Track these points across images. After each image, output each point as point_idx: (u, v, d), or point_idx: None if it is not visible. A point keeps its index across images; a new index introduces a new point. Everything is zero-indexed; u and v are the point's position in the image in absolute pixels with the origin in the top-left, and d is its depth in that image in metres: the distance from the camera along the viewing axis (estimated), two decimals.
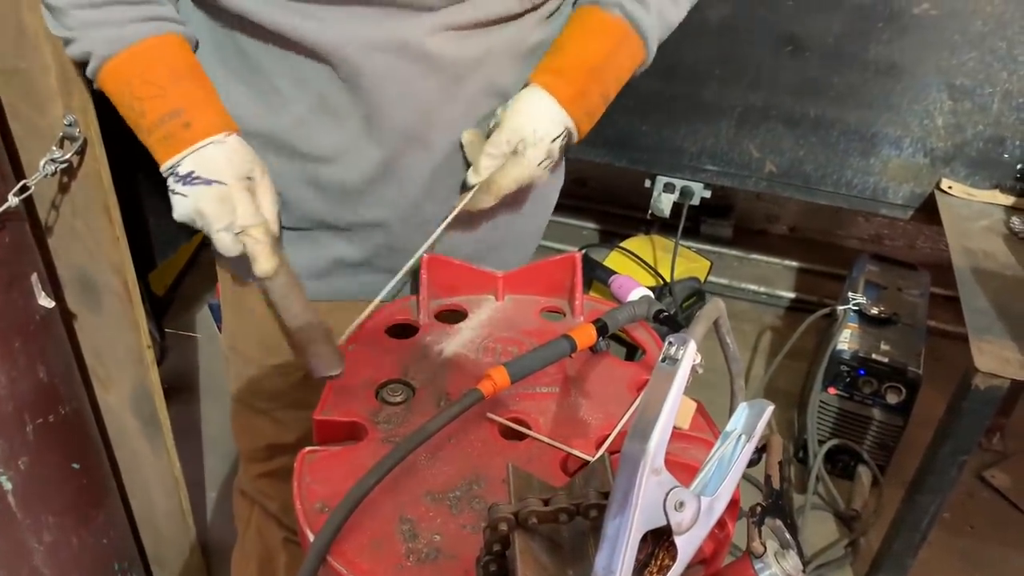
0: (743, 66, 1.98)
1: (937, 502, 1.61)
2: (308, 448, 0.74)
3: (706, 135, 2.08)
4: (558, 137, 0.93)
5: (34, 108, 1.06)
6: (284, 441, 1.16)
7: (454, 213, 0.96)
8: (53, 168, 1.04)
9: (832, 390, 2.02)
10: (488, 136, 0.94)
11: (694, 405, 0.76)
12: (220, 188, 0.86)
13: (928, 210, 1.98)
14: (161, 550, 1.67)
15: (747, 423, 0.57)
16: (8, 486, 1.18)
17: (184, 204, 0.87)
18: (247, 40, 0.90)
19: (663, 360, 0.54)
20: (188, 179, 0.86)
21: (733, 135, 2.06)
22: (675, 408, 0.51)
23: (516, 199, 1.04)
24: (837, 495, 2.03)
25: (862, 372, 1.95)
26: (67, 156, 1.06)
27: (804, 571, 0.60)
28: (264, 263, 0.87)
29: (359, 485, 0.65)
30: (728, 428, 0.58)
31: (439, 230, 0.97)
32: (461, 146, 0.97)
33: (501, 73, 0.95)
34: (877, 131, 1.95)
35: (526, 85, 0.94)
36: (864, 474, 2.04)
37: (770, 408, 0.57)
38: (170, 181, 0.87)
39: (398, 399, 0.81)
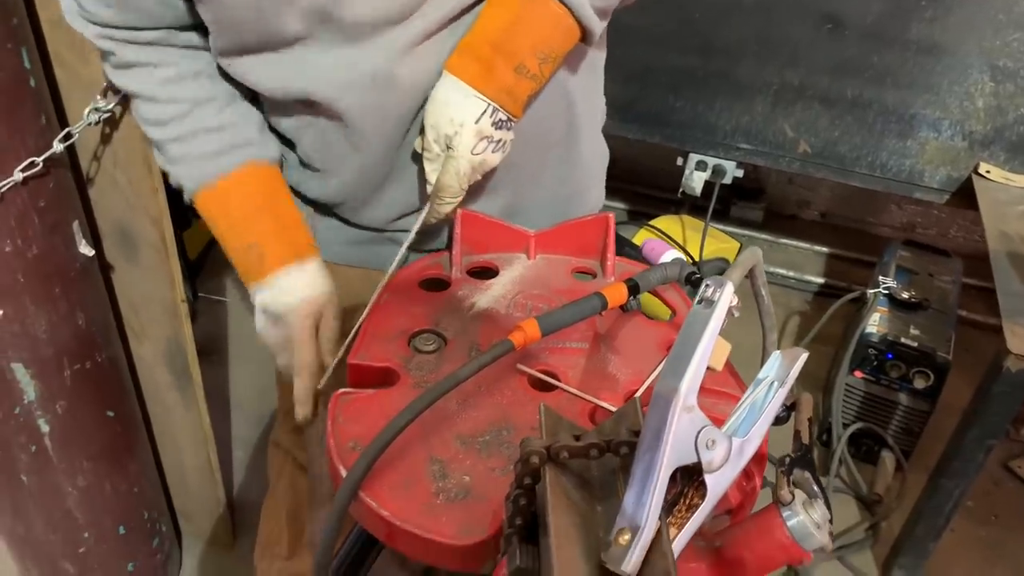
0: (780, 44, 1.96)
1: (961, 487, 1.60)
2: (342, 390, 0.75)
3: (740, 113, 2.07)
4: (481, 116, 0.86)
5: (79, 57, 1.08)
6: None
7: (416, 226, 0.95)
8: (96, 117, 1.06)
9: (859, 373, 2.00)
10: None
11: (728, 347, 0.76)
12: (282, 331, 0.95)
13: (964, 195, 1.95)
14: (188, 504, 1.70)
15: (780, 370, 0.58)
16: (46, 429, 1.22)
17: (259, 327, 0.97)
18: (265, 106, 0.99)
19: (699, 302, 0.54)
20: (263, 311, 0.95)
21: (768, 114, 2.05)
22: (709, 348, 0.52)
23: (527, 171, 1.03)
24: (860, 479, 2.02)
25: (890, 356, 1.93)
26: (110, 106, 1.08)
27: (830, 522, 0.61)
28: (301, 410, 0.94)
29: (391, 425, 0.66)
30: (761, 375, 0.58)
31: (411, 235, 0.95)
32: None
33: None
34: (915, 112, 1.92)
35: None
36: (888, 459, 2.03)
37: (803, 355, 0.57)
38: (252, 298, 0.97)
39: (430, 348, 0.82)
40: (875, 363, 1.97)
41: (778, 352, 0.58)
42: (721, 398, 0.77)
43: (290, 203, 0.99)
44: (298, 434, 1.26)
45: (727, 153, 2.13)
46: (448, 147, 0.88)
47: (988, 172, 1.89)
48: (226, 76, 0.94)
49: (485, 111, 0.87)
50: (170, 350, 1.41)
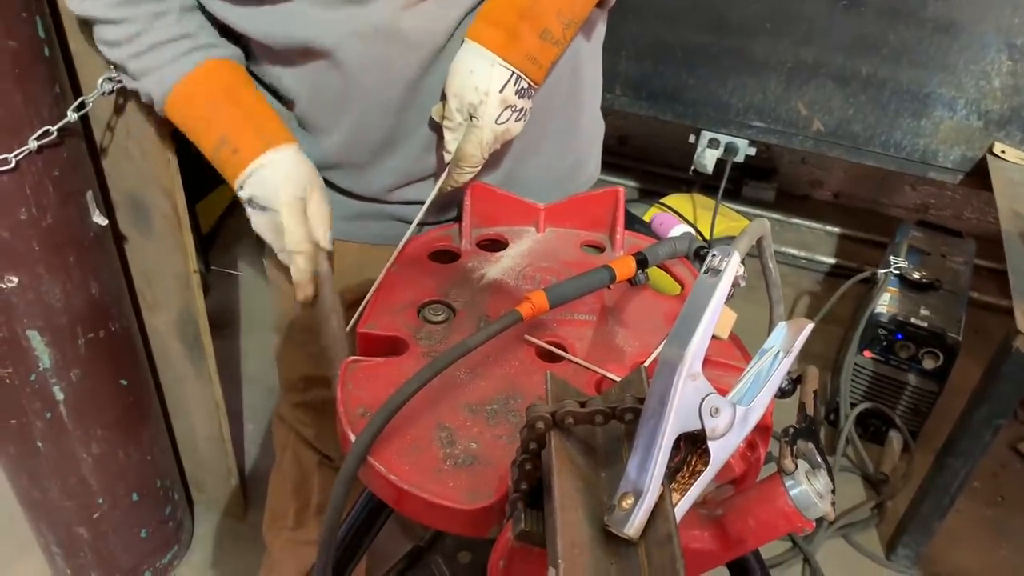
0: (795, 20, 1.94)
1: (968, 467, 1.60)
2: (352, 358, 0.76)
3: (754, 91, 2.05)
4: (505, 85, 0.86)
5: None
6: (318, 374, 1.18)
7: (432, 194, 0.95)
8: (110, 87, 1.07)
9: (868, 353, 2.00)
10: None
11: (734, 316, 0.76)
12: (273, 216, 0.92)
13: (979, 175, 1.93)
14: (200, 473, 1.73)
15: (785, 340, 0.58)
16: (60, 396, 1.24)
17: (253, 224, 0.95)
18: (252, 54, 0.97)
19: (706, 271, 0.54)
20: (250, 203, 0.93)
21: (781, 91, 2.03)
22: (715, 316, 0.52)
23: (529, 141, 1.03)
24: (867, 458, 2.03)
25: (900, 336, 1.93)
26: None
27: (833, 492, 0.61)
28: (302, 292, 0.94)
29: (400, 392, 0.67)
30: (767, 345, 0.58)
31: (426, 204, 0.96)
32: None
33: None
34: (931, 91, 1.90)
35: (462, 42, 0.90)
36: (895, 439, 2.03)
37: (809, 326, 0.57)
38: (241, 197, 0.94)
39: (439, 318, 0.83)
40: (884, 343, 1.96)
41: (783, 323, 0.58)
42: (728, 370, 0.77)
43: (258, 95, 0.96)
44: (300, 409, 1.27)
45: (740, 131, 2.12)
46: (471, 116, 0.88)
47: (1003, 152, 1.88)
48: (212, 19, 0.93)
49: (509, 79, 0.87)
50: (182, 321, 1.42)
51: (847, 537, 1.87)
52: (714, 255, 0.54)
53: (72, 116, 1.05)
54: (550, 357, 0.81)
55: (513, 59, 0.86)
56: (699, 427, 0.52)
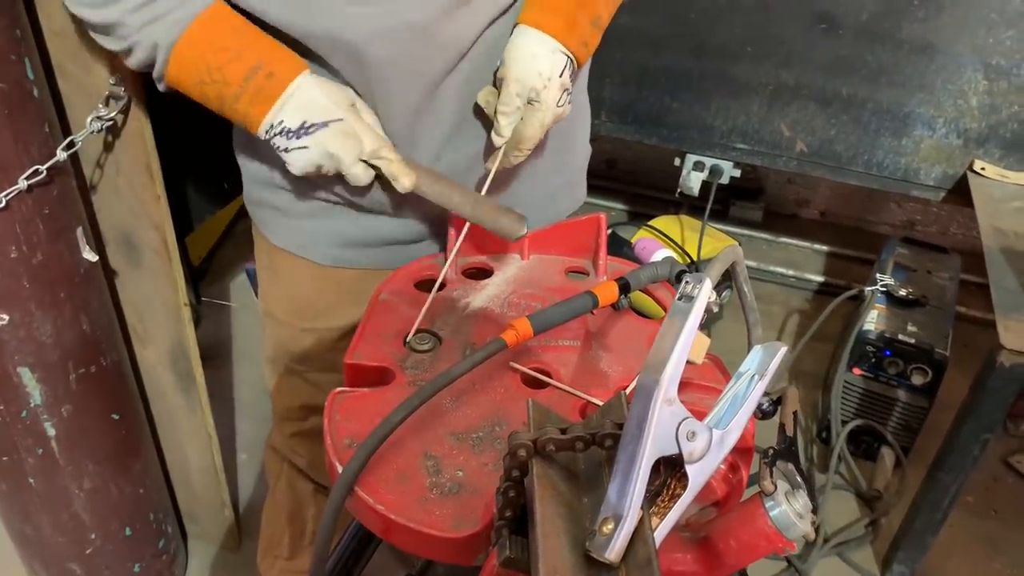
0: (775, 44, 1.97)
1: (959, 481, 1.61)
2: (339, 389, 0.77)
3: (737, 113, 2.08)
4: (564, 69, 0.90)
5: (81, 68, 1.10)
6: (318, 402, 1.17)
7: (492, 175, 0.96)
8: (99, 126, 1.09)
9: (857, 370, 2.02)
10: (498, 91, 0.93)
11: (707, 341, 0.78)
12: (340, 124, 0.87)
13: (960, 192, 1.96)
14: (194, 506, 1.72)
15: (760, 363, 0.59)
16: (52, 432, 1.24)
17: (308, 154, 0.88)
18: None
19: (679, 298, 0.56)
20: (304, 130, 0.87)
21: (764, 113, 2.06)
22: (689, 342, 0.53)
23: (539, 163, 1.06)
24: (860, 475, 2.03)
25: (888, 352, 1.95)
26: (112, 114, 1.10)
27: (814, 513, 0.62)
28: (406, 179, 0.91)
29: (386, 421, 0.68)
30: (742, 368, 0.60)
31: (487, 183, 0.96)
32: (474, 109, 0.96)
33: (504, 36, 0.93)
34: (910, 111, 1.94)
35: (515, 26, 0.91)
36: (887, 455, 2.04)
37: (783, 349, 0.59)
38: (281, 141, 0.88)
39: (425, 347, 0.84)
40: (873, 360, 1.98)
41: (758, 346, 0.60)
42: (709, 392, 0.79)
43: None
44: (295, 438, 1.27)
45: (724, 153, 2.15)
46: (532, 100, 0.90)
47: (983, 169, 1.90)
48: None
49: (567, 64, 0.90)
50: (174, 353, 1.43)
51: (842, 555, 1.87)
52: (687, 282, 0.56)
53: (61, 155, 1.06)
54: (535, 383, 0.82)
55: (571, 45, 0.90)
56: (676, 451, 0.54)
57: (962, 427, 1.55)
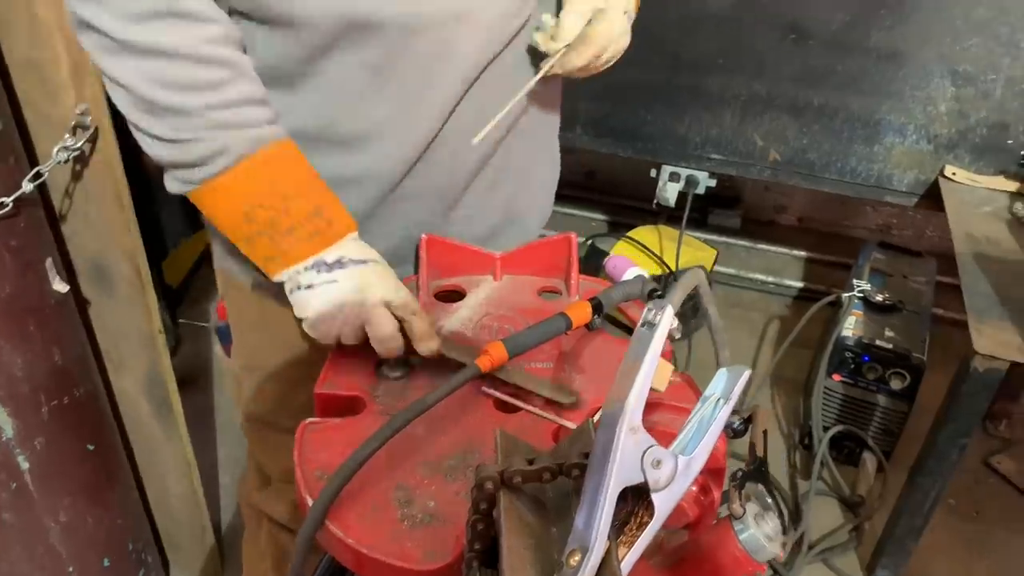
0: (746, 55, 1.99)
1: (938, 485, 1.62)
2: (309, 420, 0.77)
3: (710, 124, 2.10)
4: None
5: (47, 98, 1.09)
6: None
7: (544, 71, 0.92)
8: (66, 156, 1.08)
9: (837, 376, 2.03)
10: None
11: (670, 368, 0.78)
12: (378, 266, 0.86)
13: (934, 197, 1.98)
14: (174, 533, 1.70)
15: (726, 387, 0.59)
16: (25, 466, 1.22)
17: (334, 290, 0.83)
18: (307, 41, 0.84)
19: (642, 325, 0.56)
20: (339, 263, 0.84)
21: (737, 124, 2.08)
22: (652, 370, 0.53)
23: (520, 174, 1.05)
24: (842, 481, 2.04)
25: (866, 358, 1.96)
26: (79, 144, 1.10)
27: (784, 534, 0.63)
28: (432, 342, 0.84)
29: (356, 453, 0.67)
30: (707, 392, 0.60)
31: (519, 95, 0.91)
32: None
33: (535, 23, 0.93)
34: (880, 118, 1.96)
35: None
36: (869, 460, 2.05)
37: (747, 373, 0.59)
38: (309, 276, 0.83)
39: (397, 374, 0.84)
40: (852, 366, 1.99)
41: (724, 370, 0.60)
42: (680, 413, 0.79)
43: None
44: (272, 495, 1.23)
45: (699, 164, 2.16)
46: (601, 8, 0.90)
47: (954, 174, 1.93)
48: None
49: None
50: (149, 381, 1.42)
51: (827, 561, 1.88)
52: (649, 308, 0.56)
53: (28, 187, 1.05)
54: (508, 408, 0.82)
55: None
56: (643, 480, 0.54)
57: (939, 432, 1.56)
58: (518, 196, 1.08)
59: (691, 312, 2.31)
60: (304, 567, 0.67)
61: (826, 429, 2.05)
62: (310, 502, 0.68)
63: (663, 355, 0.68)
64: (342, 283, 0.83)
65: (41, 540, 1.32)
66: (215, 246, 1.06)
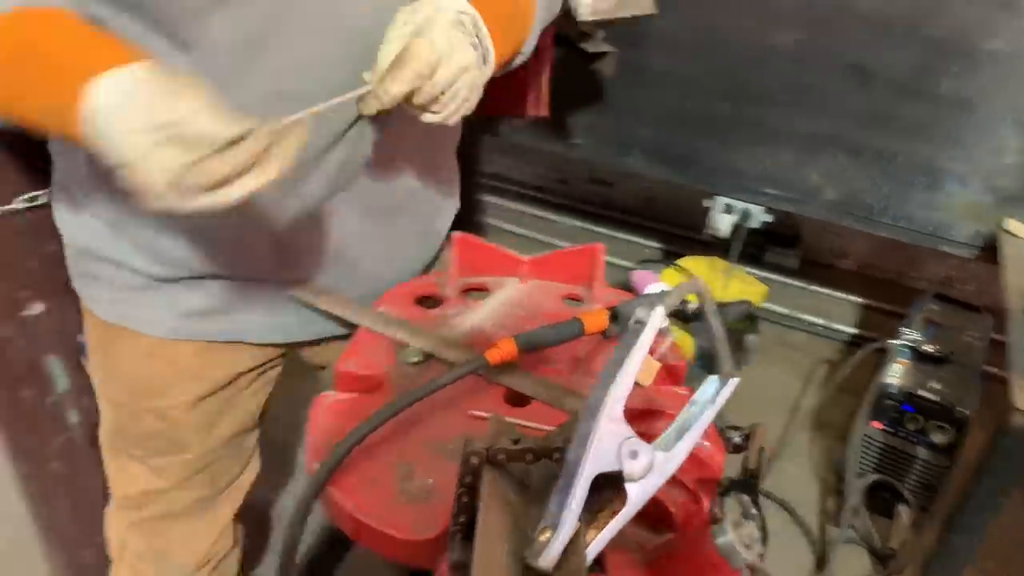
0: (810, 93, 1.99)
1: (971, 544, 1.57)
2: (324, 392, 0.81)
3: (767, 159, 2.09)
4: (464, 14, 0.79)
5: None
6: (158, 487, 1.09)
7: (348, 97, 0.77)
8: None
9: (878, 424, 1.99)
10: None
11: (657, 365, 0.80)
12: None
13: (994, 250, 1.93)
14: None
15: (714, 394, 0.61)
16: (75, 419, 1.30)
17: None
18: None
19: (635, 322, 0.58)
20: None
21: (795, 161, 2.07)
22: (636, 365, 0.56)
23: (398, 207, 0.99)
24: (874, 532, 1.99)
25: (907, 407, 1.92)
26: None
27: (764, 544, 0.64)
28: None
29: (362, 425, 0.71)
30: (696, 397, 0.62)
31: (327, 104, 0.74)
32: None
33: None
34: (943, 166, 1.92)
35: None
36: (904, 513, 2.00)
37: (734, 381, 0.61)
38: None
39: (415, 360, 0.88)
40: (893, 414, 1.95)
41: (714, 377, 0.62)
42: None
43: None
44: (133, 531, 1.16)
45: (753, 198, 2.16)
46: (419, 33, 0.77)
47: (1015, 228, 1.88)
48: None
49: (469, 16, 0.81)
50: None
51: None
52: (643, 307, 0.58)
53: None
54: (517, 402, 0.85)
55: (478, 5, 0.82)
56: (618, 468, 0.56)
57: (976, 489, 1.52)
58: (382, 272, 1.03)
59: (735, 347, 2.30)
60: (302, 527, 0.71)
61: (862, 477, 2.01)
62: (316, 467, 0.72)
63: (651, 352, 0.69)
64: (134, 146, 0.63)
65: (84, 495, 1.40)
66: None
